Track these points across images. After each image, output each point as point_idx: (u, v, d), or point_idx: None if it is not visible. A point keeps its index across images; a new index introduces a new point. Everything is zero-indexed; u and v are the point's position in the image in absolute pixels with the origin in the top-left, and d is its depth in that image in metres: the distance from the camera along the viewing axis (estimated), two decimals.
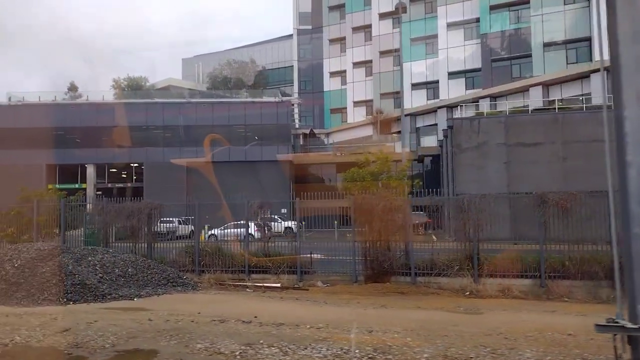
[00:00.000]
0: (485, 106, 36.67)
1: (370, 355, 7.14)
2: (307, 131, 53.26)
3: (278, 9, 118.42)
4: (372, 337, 8.20)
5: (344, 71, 57.83)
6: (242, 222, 18.29)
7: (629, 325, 3.07)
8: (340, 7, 58.50)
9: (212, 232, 22.99)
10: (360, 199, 15.61)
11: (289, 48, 63.94)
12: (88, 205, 21.15)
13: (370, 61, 55.26)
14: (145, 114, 45.55)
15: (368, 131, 52.06)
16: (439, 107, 46.02)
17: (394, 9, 52.25)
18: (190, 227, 26.11)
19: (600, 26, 3.74)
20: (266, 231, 17.10)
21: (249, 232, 17.23)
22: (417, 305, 11.90)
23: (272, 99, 47.65)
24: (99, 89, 68.53)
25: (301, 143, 50.44)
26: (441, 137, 38.55)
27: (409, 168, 26.60)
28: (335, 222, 18.47)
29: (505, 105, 35.42)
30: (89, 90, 53.91)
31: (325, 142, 55.13)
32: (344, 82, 58.06)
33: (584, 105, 30.44)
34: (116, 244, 17.97)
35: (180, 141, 44.97)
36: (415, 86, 49.71)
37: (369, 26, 55.24)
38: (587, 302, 12.68)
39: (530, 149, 27.26)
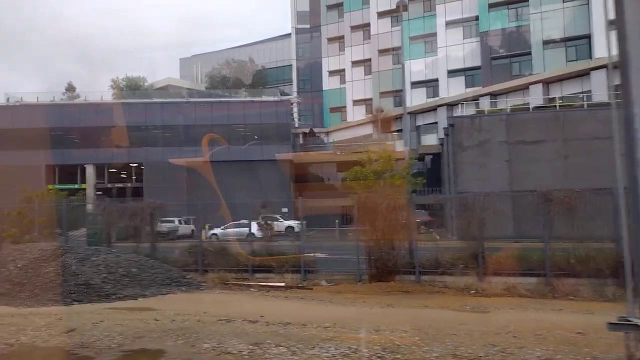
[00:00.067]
0: (485, 104, 36.65)
1: (379, 355, 7.09)
2: (307, 130, 53.22)
3: (276, 8, 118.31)
4: (380, 337, 8.15)
5: (343, 70, 57.81)
6: (244, 221, 18.28)
7: None
8: (339, 5, 58.46)
9: (214, 231, 22.95)
10: (364, 198, 15.57)
11: (287, 47, 63.88)
12: (88, 205, 21.10)
13: (369, 60, 55.23)
14: (144, 113, 45.47)
15: (368, 130, 52.03)
16: (439, 106, 46.03)
17: (392, 8, 52.40)
18: (191, 227, 26.14)
19: (606, 22, 3.67)
20: (268, 231, 17.07)
21: (251, 231, 17.20)
22: (423, 304, 11.85)
23: (271, 98, 47.62)
24: (98, 89, 68.50)
25: (301, 142, 50.43)
26: (441, 135, 38.52)
27: (411, 166, 26.53)
28: (336, 220, 18.44)
29: (505, 103, 35.43)
30: (87, 90, 53.90)
31: (325, 141, 55.08)
32: (343, 81, 58.02)
33: (585, 102, 30.43)
34: (117, 244, 17.90)
35: (179, 141, 44.89)
36: (414, 84, 49.67)
37: (368, 25, 55.20)
38: (593, 300, 12.63)
39: (531, 147, 27.25)
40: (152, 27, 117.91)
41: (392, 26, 52.94)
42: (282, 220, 25.71)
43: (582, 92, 35.35)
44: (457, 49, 47.13)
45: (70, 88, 54.07)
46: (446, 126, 33.85)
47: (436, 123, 45.88)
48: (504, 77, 43.30)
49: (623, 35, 3.08)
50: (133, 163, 45.83)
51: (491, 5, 44.88)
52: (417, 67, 49.32)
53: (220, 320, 9.51)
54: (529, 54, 43.05)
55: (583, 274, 13.32)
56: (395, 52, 52.81)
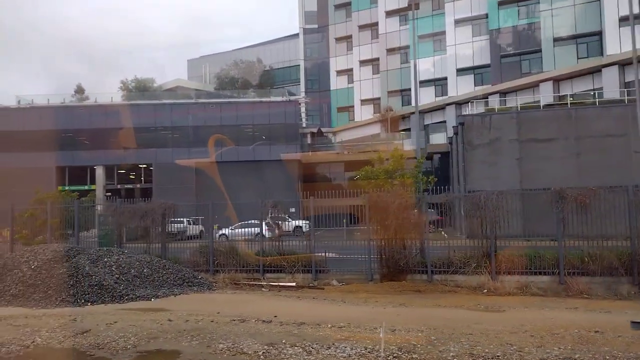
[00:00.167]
0: (495, 102, 36.36)
1: (395, 355, 7.05)
2: (315, 130, 53.19)
3: (283, 8, 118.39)
4: (395, 336, 8.10)
5: (351, 69, 57.70)
6: (253, 221, 18.24)
7: None
8: (346, 5, 58.38)
9: (223, 231, 22.95)
10: (375, 197, 15.48)
11: (295, 47, 63.92)
12: (99, 206, 21.18)
13: (377, 59, 55.07)
14: (153, 115, 45.67)
15: (376, 129, 51.91)
16: (448, 104, 45.76)
17: (400, 6, 52.24)
18: (200, 227, 26.19)
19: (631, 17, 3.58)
20: (277, 230, 17.02)
21: (260, 231, 17.15)
22: (437, 304, 11.78)
23: (279, 99, 47.66)
24: (107, 91, 68.84)
25: (309, 142, 50.45)
26: (450, 134, 38.29)
27: (421, 165, 26.34)
28: (344, 220, 18.33)
29: (515, 101, 35.12)
30: (97, 92, 54.15)
31: (333, 141, 55.01)
32: (350, 81, 57.92)
33: (597, 100, 30.11)
34: (128, 245, 17.96)
35: (188, 142, 45.06)
36: (423, 83, 49.40)
37: (376, 24, 55.05)
38: (607, 298, 12.52)
39: (543, 145, 27.00)
40: (160, 29, 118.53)
41: (400, 25, 52.76)
42: (290, 220, 25.65)
43: (593, 90, 34.98)
44: (466, 47, 46.86)
45: (80, 90, 54.42)
46: (455, 125, 33.65)
47: (444, 122, 45.64)
48: (513, 75, 42.97)
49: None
50: (142, 164, 46.06)
51: (501, 3, 44.55)
52: (425, 66, 49.06)
53: (234, 320, 9.50)
54: (539, 51, 42.67)
55: (596, 272, 13.20)
56: (403, 51, 52.63)
